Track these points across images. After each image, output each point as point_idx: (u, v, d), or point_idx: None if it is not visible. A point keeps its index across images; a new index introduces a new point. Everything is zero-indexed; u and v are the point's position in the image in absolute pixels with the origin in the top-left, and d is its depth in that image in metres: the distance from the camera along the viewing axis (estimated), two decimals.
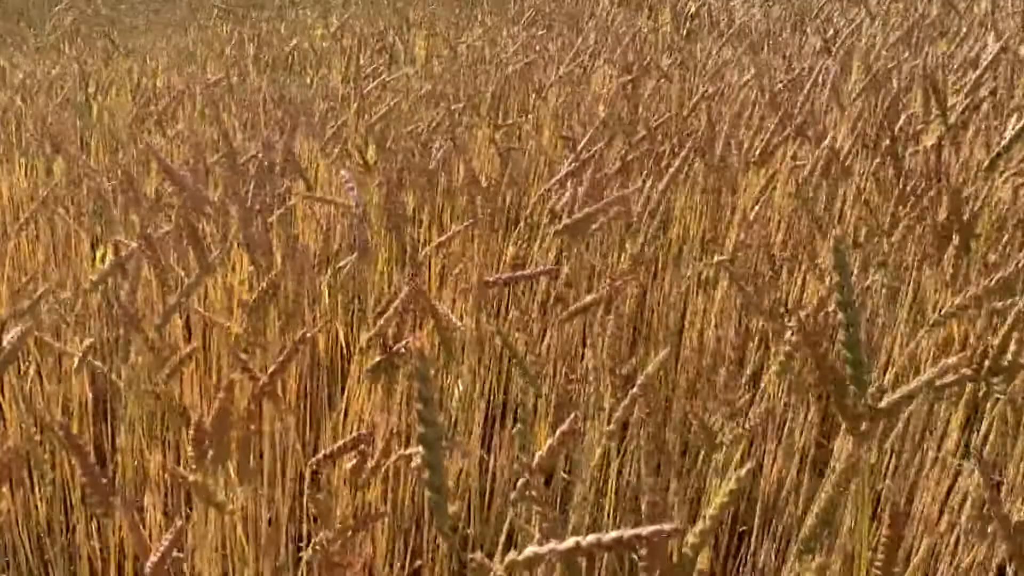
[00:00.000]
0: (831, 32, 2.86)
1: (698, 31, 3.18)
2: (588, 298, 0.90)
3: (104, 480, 0.62)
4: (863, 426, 0.55)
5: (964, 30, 2.66)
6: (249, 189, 1.16)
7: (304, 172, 1.25)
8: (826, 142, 1.27)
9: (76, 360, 0.85)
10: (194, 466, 0.69)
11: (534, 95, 1.95)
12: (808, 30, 3.03)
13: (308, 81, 2.47)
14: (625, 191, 0.90)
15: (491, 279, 0.87)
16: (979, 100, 1.51)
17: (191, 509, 1.05)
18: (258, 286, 0.95)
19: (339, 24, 3.37)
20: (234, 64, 2.66)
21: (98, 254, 1.45)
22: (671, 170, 1.09)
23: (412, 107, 2.02)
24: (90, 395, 1.12)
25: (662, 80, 2.06)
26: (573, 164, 1.04)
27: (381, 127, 1.59)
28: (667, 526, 0.45)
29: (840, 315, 0.54)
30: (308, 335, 0.72)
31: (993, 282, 0.83)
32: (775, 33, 3.01)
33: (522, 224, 1.30)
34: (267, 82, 2.43)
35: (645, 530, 0.45)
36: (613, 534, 0.46)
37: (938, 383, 0.62)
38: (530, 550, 0.50)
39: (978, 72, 1.57)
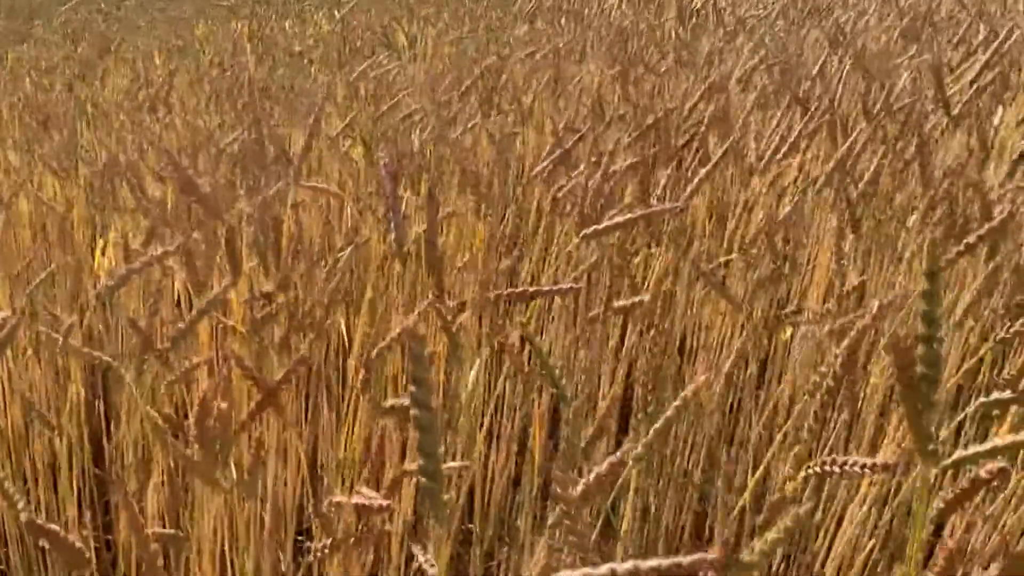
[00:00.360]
0: (835, 27, 2.84)
1: (703, 25, 3.16)
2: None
3: (78, 547, 0.61)
4: (932, 447, 0.53)
5: (973, 27, 2.64)
6: (257, 180, 1.15)
7: (297, 161, 1.24)
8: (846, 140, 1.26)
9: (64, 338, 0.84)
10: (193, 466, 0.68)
11: (509, 87, 1.94)
12: (814, 24, 3.01)
13: (309, 74, 2.46)
14: (655, 208, 0.87)
15: (504, 292, 0.85)
16: (981, 89, 1.50)
17: (191, 499, 1.04)
18: (263, 288, 0.94)
19: (340, 18, 3.37)
20: (233, 56, 2.66)
21: (99, 249, 1.45)
22: (698, 177, 1.06)
23: (413, 98, 2.01)
24: (82, 390, 1.11)
25: (647, 73, 2.05)
26: (558, 150, 1.03)
27: (377, 117, 1.58)
28: (709, 555, 0.44)
29: (923, 328, 0.51)
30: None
31: None
32: (780, 28, 3.00)
33: (511, 208, 1.29)
34: (267, 75, 2.42)
35: (686, 559, 0.44)
36: (652, 562, 0.45)
37: None
38: (564, 574, 0.49)
39: (980, 65, 1.56)
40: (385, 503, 0.61)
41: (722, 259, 1.28)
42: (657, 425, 0.69)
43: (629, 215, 0.82)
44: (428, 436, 0.51)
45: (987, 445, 0.53)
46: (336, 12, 4.06)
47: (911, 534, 0.59)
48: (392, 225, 0.78)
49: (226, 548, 0.90)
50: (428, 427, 0.51)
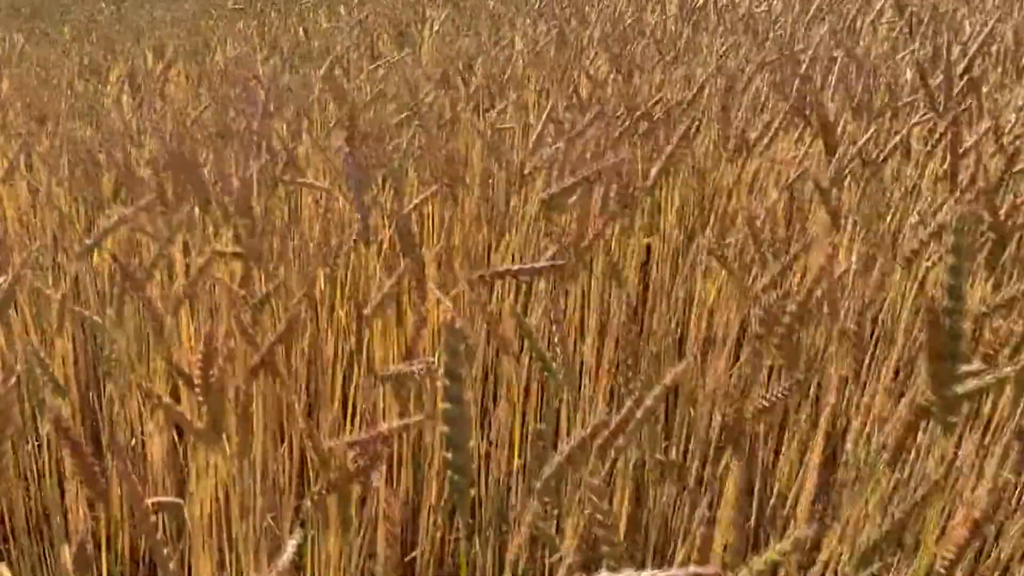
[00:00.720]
0: (840, 22, 2.85)
1: (704, 22, 3.17)
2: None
3: (97, 468, 0.62)
4: (954, 417, 0.53)
5: (973, 21, 2.64)
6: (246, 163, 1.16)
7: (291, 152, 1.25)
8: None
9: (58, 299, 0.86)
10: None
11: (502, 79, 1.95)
12: (817, 20, 3.02)
13: (311, 70, 2.48)
14: (615, 159, 0.88)
15: (486, 272, 0.86)
16: (967, 85, 1.51)
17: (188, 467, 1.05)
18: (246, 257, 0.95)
19: (357, 21, 3.38)
20: (244, 52, 2.68)
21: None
22: (670, 146, 1.07)
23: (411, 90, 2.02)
24: (73, 349, 1.12)
25: (644, 72, 2.06)
26: (559, 141, 1.04)
27: (361, 109, 1.59)
28: (709, 570, 0.45)
29: (947, 301, 0.51)
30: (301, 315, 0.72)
31: None
32: (782, 24, 3.00)
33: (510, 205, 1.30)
34: (272, 70, 2.44)
35: (680, 572, 0.45)
36: (647, 574, 0.46)
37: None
38: None
39: (968, 56, 1.56)
40: (380, 431, 0.62)
41: (706, 245, 1.29)
42: (648, 402, 0.70)
43: (584, 173, 0.82)
44: (458, 430, 0.50)
45: (999, 374, 0.53)
46: (343, 10, 4.08)
47: (930, 502, 0.60)
48: (359, 213, 0.79)
49: (223, 524, 0.91)
50: (459, 421, 0.50)
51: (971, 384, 0.52)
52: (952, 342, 0.51)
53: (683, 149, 1.20)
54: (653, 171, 0.99)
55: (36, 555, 1.12)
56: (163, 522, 1.12)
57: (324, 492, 0.60)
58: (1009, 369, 0.50)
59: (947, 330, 0.50)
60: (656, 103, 1.42)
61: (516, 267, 0.76)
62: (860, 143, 1.17)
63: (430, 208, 1.41)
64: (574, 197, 0.90)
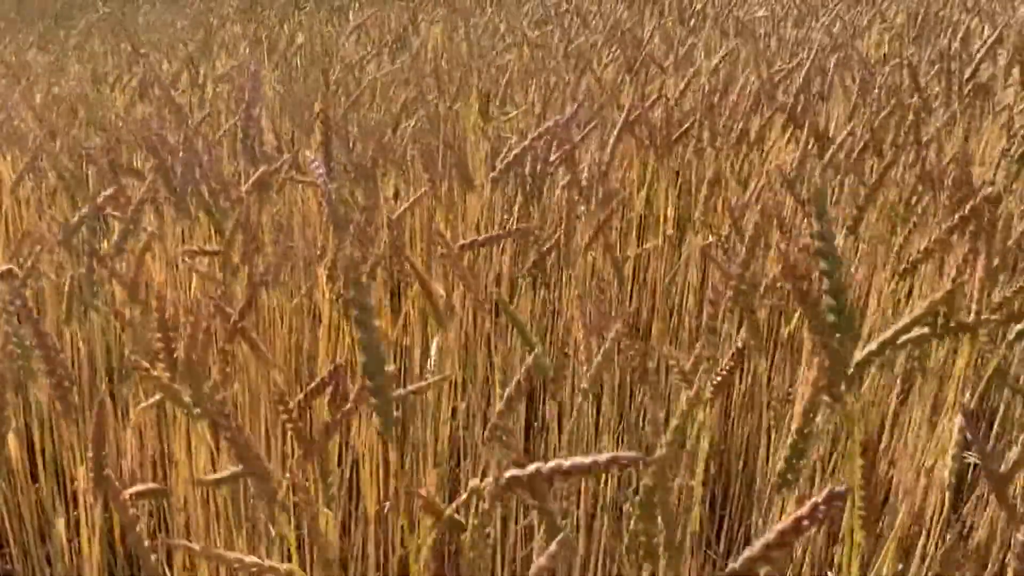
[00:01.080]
0: (837, 25, 2.87)
1: (702, 25, 3.19)
2: None
3: (67, 376, 0.63)
4: (845, 382, 0.54)
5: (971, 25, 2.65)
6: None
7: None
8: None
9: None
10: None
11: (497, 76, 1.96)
12: (812, 24, 3.03)
13: (310, 74, 2.50)
14: (559, 118, 0.90)
15: (465, 242, 0.89)
16: (969, 91, 1.52)
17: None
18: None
19: (356, 26, 3.41)
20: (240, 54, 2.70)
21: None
22: (617, 128, 1.09)
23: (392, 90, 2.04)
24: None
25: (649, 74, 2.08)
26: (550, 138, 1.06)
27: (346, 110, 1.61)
28: (627, 455, 0.46)
29: (822, 263, 0.53)
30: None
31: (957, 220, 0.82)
32: (778, 26, 3.02)
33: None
34: (276, 74, 2.46)
35: (602, 457, 0.46)
36: (574, 459, 0.47)
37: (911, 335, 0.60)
38: (490, 478, 0.51)
39: (975, 62, 1.58)
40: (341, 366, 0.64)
41: (696, 238, 1.30)
42: (606, 345, 0.71)
43: (524, 143, 0.85)
44: (373, 359, 0.52)
45: (905, 319, 0.54)
46: (351, 15, 4.10)
47: (851, 441, 0.61)
48: (330, 216, 0.82)
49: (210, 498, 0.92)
50: (372, 349, 0.52)
51: (881, 338, 0.53)
52: (835, 302, 0.52)
53: (670, 145, 1.21)
54: (605, 155, 1.01)
55: (35, 559, 1.13)
56: (162, 512, 1.14)
57: (302, 458, 0.62)
58: (891, 331, 0.51)
59: (829, 294, 0.52)
60: (653, 102, 1.44)
61: (483, 237, 0.79)
62: (840, 139, 1.19)
63: (420, 210, 1.43)
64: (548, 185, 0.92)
